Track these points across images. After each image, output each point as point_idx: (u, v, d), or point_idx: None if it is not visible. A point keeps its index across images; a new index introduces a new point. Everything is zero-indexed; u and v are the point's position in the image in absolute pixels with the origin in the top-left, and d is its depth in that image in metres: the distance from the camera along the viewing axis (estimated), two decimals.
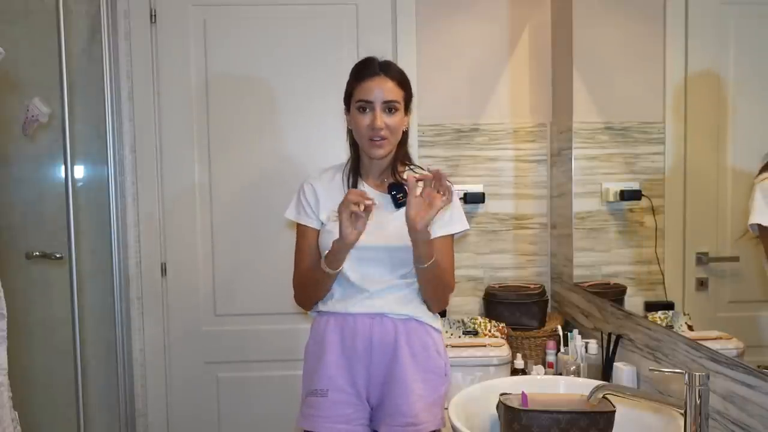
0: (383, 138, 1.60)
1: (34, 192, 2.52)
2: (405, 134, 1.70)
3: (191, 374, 2.50)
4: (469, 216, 2.49)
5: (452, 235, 1.69)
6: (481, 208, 2.50)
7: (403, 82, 1.64)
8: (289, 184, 2.09)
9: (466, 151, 2.49)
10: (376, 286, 1.62)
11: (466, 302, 2.51)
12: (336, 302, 1.65)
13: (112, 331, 2.41)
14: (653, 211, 1.76)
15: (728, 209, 1.48)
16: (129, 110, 2.42)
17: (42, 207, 2.51)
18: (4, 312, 1.13)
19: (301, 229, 1.71)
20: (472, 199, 2.46)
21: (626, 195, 1.91)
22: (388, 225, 1.60)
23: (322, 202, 1.68)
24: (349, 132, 1.71)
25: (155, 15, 2.42)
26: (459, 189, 2.46)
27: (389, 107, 1.61)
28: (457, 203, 1.68)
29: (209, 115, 2.46)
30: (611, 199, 2.00)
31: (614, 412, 1.37)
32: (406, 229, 1.49)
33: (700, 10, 1.57)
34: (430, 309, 1.69)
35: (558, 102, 2.43)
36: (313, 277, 1.63)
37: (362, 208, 1.48)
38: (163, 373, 2.49)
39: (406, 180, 1.56)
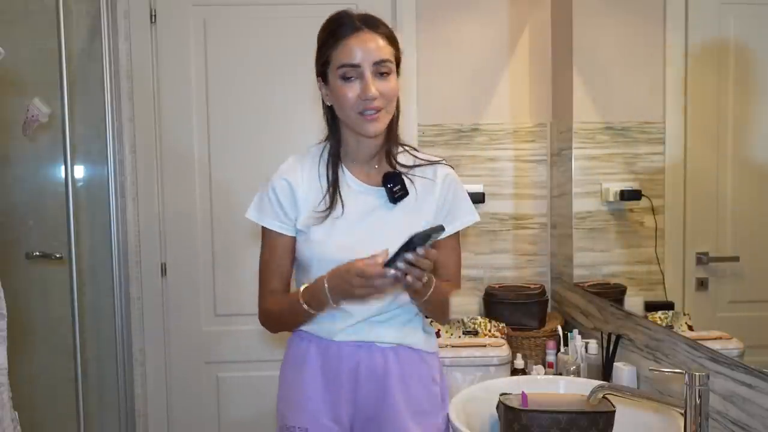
0: (378, 109, 1.29)
1: (34, 192, 2.52)
2: (397, 106, 1.37)
3: (191, 374, 2.50)
4: None
5: (458, 232, 1.46)
6: (481, 208, 2.50)
7: (391, 37, 1.33)
8: None
9: (466, 151, 2.49)
10: (365, 312, 1.35)
11: (466, 302, 2.51)
12: (319, 325, 1.38)
13: (112, 331, 2.41)
14: (653, 211, 1.76)
15: (728, 209, 1.48)
16: (129, 110, 2.42)
17: (42, 207, 2.51)
18: (4, 312, 1.13)
19: (271, 236, 1.40)
20: (472, 199, 2.42)
21: (626, 195, 1.91)
22: (382, 233, 1.31)
23: (302, 202, 1.37)
24: (327, 109, 1.38)
25: (155, 15, 2.42)
26: None
27: (381, 70, 1.29)
28: (462, 191, 1.46)
29: (209, 115, 2.46)
30: (611, 199, 2.00)
31: (614, 412, 1.37)
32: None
33: (700, 10, 1.57)
34: (432, 323, 1.49)
35: (558, 102, 2.43)
36: (288, 310, 1.37)
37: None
38: (163, 373, 2.49)
39: (405, 166, 1.35)
